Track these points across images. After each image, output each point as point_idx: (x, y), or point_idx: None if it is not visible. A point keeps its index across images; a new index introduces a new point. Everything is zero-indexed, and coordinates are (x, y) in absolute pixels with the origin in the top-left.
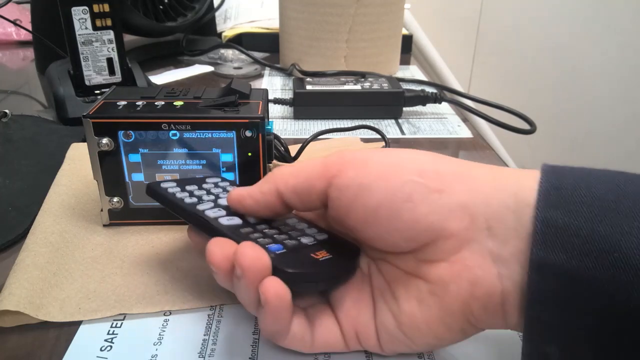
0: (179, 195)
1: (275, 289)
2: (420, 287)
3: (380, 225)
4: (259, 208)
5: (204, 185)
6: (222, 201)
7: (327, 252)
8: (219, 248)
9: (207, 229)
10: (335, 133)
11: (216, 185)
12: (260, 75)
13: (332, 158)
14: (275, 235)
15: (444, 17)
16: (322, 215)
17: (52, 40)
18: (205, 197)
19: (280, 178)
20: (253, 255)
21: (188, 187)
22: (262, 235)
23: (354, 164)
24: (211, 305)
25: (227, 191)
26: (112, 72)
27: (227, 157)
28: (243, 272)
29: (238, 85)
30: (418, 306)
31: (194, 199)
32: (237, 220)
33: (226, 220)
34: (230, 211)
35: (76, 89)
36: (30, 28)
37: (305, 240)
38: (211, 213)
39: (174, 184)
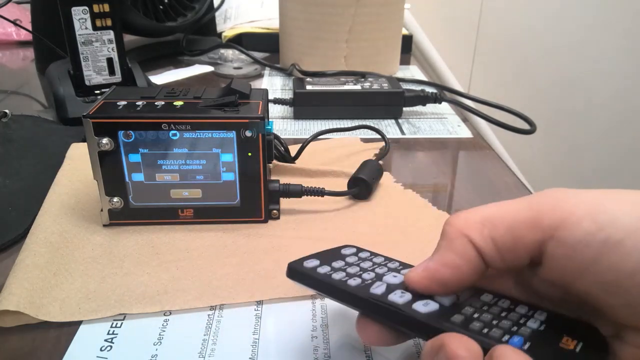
0: (336, 276)
1: None
2: None
3: (632, 291)
4: (460, 276)
5: (348, 259)
6: (389, 278)
7: (572, 338)
8: (466, 350)
9: (395, 318)
10: (335, 133)
11: (360, 258)
12: (260, 75)
13: (544, 201)
14: (495, 322)
15: (444, 17)
16: (512, 277)
17: (52, 40)
18: (366, 276)
19: (467, 226)
20: None
21: (335, 264)
22: (483, 325)
23: (587, 210)
24: (211, 305)
25: (377, 264)
26: (112, 72)
27: (227, 157)
28: None
29: (238, 85)
30: None
31: (357, 280)
32: (433, 305)
33: (422, 307)
34: (414, 292)
35: (76, 89)
36: (30, 28)
37: (533, 324)
38: (397, 298)
39: (317, 261)
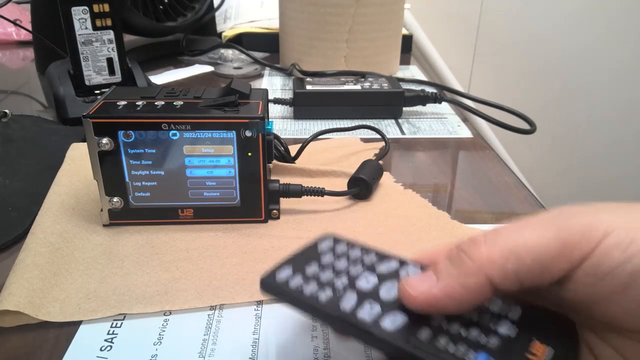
0: (308, 290)
1: None
2: None
3: None
4: (460, 310)
5: (323, 260)
6: (362, 284)
7: (543, 343)
8: None
9: (365, 337)
10: (335, 133)
11: (336, 254)
12: (260, 75)
13: (571, 229)
14: (462, 333)
15: (444, 17)
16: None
17: (52, 40)
18: (338, 284)
19: (490, 265)
20: None
21: (309, 270)
22: (450, 339)
23: (616, 240)
24: (211, 305)
25: (353, 260)
26: (112, 72)
27: (227, 157)
28: None
29: (238, 85)
30: None
31: (328, 292)
32: (401, 318)
33: (390, 323)
34: (384, 301)
35: (76, 89)
36: (30, 28)
37: (503, 330)
38: (366, 315)
39: (290, 270)
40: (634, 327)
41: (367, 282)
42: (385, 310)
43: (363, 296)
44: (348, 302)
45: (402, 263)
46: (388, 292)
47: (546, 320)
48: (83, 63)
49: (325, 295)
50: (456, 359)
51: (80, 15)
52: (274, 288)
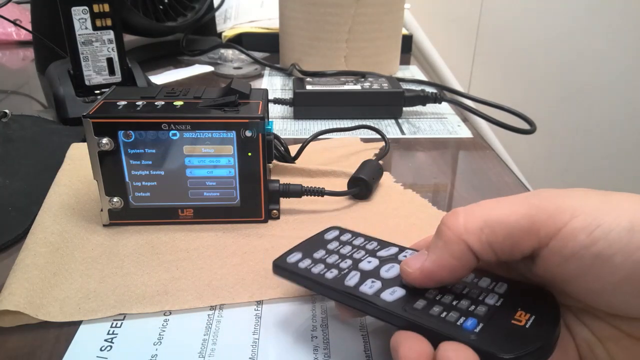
0: (316, 270)
1: None
2: None
3: (616, 296)
4: (455, 277)
5: (329, 247)
6: (364, 265)
7: (525, 312)
8: (415, 354)
9: (366, 308)
10: (335, 133)
11: (341, 242)
12: (260, 75)
13: (541, 207)
14: (455, 303)
15: (444, 17)
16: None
17: (52, 40)
18: (343, 265)
19: (467, 233)
20: None
21: (316, 255)
22: (443, 308)
23: (583, 223)
24: (211, 305)
25: (357, 246)
26: (112, 72)
27: (227, 157)
28: None
29: (238, 85)
30: None
31: (334, 272)
32: (400, 292)
33: (389, 295)
34: (384, 279)
35: (76, 89)
36: (30, 28)
37: (491, 301)
38: (367, 289)
39: (300, 255)
40: (598, 306)
41: (369, 263)
42: (385, 286)
43: (365, 275)
44: (352, 279)
45: (401, 249)
46: (387, 271)
47: (529, 293)
48: (83, 63)
49: (331, 274)
50: (447, 323)
51: (80, 15)
52: (285, 270)
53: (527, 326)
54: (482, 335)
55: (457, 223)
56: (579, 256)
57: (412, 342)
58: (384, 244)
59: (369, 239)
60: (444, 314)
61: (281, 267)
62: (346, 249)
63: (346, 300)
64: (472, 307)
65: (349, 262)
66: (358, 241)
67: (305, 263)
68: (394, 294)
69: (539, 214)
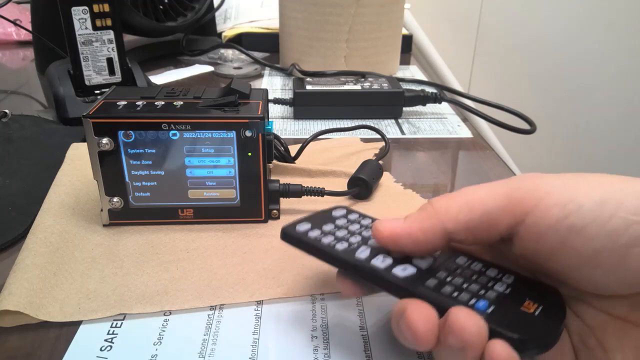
0: (325, 240)
1: (506, 357)
2: (638, 335)
3: (595, 272)
4: (416, 249)
5: (338, 223)
6: (374, 242)
7: (534, 302)
8: (422, 316)
9: (376, 281)
10: (335, 133)
11: (349, 220)
12: (260, 75)
13: (517, 186)
14: (465, 286)
15: (444, 17)
16: (489, 246)
17: (52, 40)
18: (353, 240)
19: (446, 213)
20: (472, 326)
21: (326, 228)
22: (454, 288)
23: (557, 199)
24: (211, 305)
25: (365, 226)
26: (112, 72)
27: (227, 157)
28: (466, 345)
29: (238, 85)
30: (635, 357)
31: (344, 244)
32: (411, 270)
33: (401, 271)
34: (395, 257)
35: (76, 89)
36: (30, 28)
37: (499, 287)
38: (379, 263)
39: (309, 225)
40: (581, 285)
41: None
42: (396, 263)
43: (376, 250)
44: (362, 253)
45: None
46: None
47: (536, 287)
48: (83, 63)
49: (341, 246)
50: (459, 302)
51: (80, 15)
52: (294, 237)
53: (535, 314)
54: (492, 316)
55: (440, 203)
56: (553, 230)
57: (419, 307)
58: None
59: (375, 220)
60: (456, 294)
61: (290, 234)
62: (355, 227)
63: (356, 272)
64: (482, 292)
65: (358, 237)
66: (366, 221)
67: (315, 233)
68: (405, 271)
69: (515, 193)
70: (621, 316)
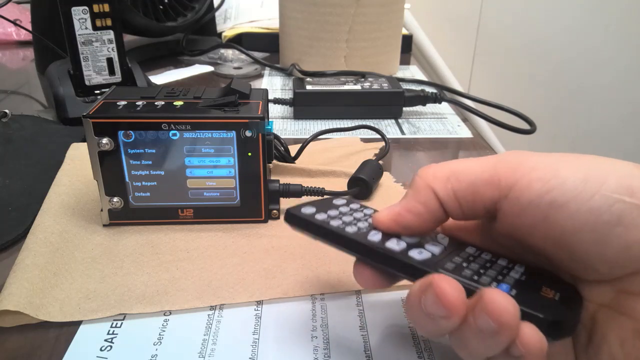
0: (334, 223)
1: (537, 340)
2: (623, 324)
3: (578, 249)
4: (422, 223)
5: (341, 210)
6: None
7: (550, 289)
8: (453, 285)
9: (392, 263)
10: (335, 133)
11: (352, 209)
12: (260, 75)
13: (504, 161)
14: (482, 270)
15: (444, 17)
16: (478, 227)
17: (52, 40)
18: (361, 225)
19: (434, 180)
20: (507, 305)
21: (331, 212)
22: (473, 272)
23: (540, 174)
24: (211, 305)
25: (369, 215)
26: (112, 72)
27: (227, 157)
28: (501, 328)
29: (238, 85)
30: (620, 347)
31: (354, 228)
32: (427, 253)
33: (417, 254)
34: (407, 241)
35: (76, 89)
36: (30, 28)
37: (515, 274)
38: (394, 245)
39: (314, 208)
40: (565, 261)
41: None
42: (411, 246)
43: (387, 235)
44: (375, 236)
45: None
46: (410, 238)
47: (549, 277)
48: (83, 63)
49: (351, 229)
50: (482, 284)
51: (80, 15)
52: (300, 219)
53: (556, 299)
54: (518, 297)
55: (427, 172)
56: (535, 204)
57: (447, 278)
58: None
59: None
60: (475, 277)
61: (296, 216)
62: (359, 214)
63: (371, 256)
64: (500, 277)
65: (365, 223)
66: (368, 211)
67: (322, 216)
68: (421, 254)
69: (501, 167)
70: (605, 302)
